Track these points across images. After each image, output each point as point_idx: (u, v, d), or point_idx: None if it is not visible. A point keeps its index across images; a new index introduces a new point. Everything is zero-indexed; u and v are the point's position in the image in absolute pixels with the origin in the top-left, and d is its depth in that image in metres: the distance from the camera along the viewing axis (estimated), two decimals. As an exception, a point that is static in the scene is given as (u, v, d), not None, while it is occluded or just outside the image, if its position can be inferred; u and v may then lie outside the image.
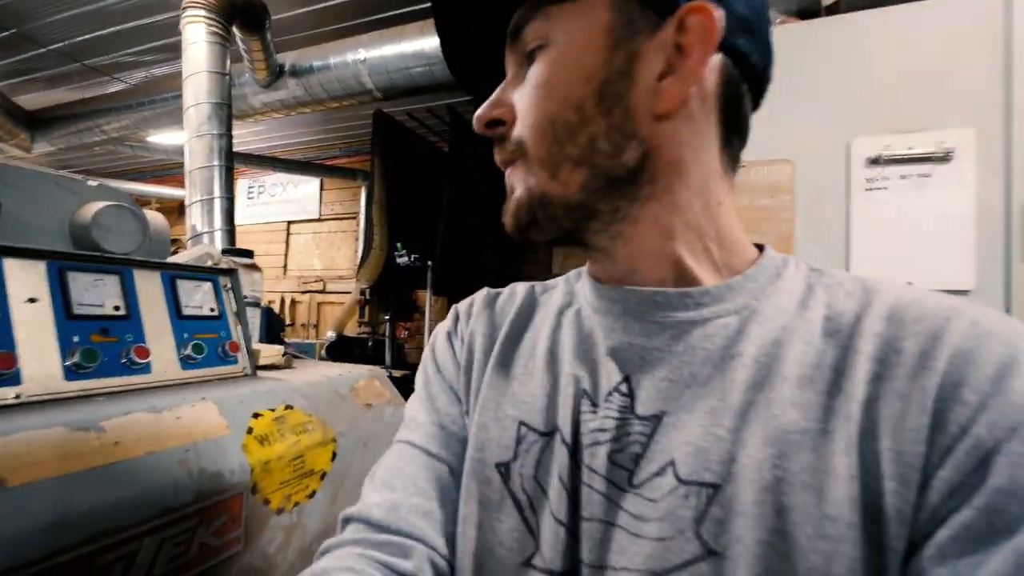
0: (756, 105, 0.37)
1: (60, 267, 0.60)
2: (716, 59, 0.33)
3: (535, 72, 0.35)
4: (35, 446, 0.46)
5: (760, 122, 0.38)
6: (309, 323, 5.20)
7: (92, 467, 0.48)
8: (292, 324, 5.19)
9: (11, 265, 0.56)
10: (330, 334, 3.91)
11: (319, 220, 5.44)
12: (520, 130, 0.35)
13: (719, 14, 0.30)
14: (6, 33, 3.09)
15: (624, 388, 0.33)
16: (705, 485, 0.27)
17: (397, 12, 2.73)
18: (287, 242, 5.59)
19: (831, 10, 1.38)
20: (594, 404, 0.33)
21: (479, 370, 0.41)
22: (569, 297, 0.42)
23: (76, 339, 0.59)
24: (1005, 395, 0.24)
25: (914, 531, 0.24)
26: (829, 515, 0.24)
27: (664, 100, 0.32)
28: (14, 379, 0.52)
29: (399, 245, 3.27)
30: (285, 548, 0.67)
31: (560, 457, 0.33)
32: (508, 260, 4.20)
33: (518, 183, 0.36)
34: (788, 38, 1.28)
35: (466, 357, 0.43)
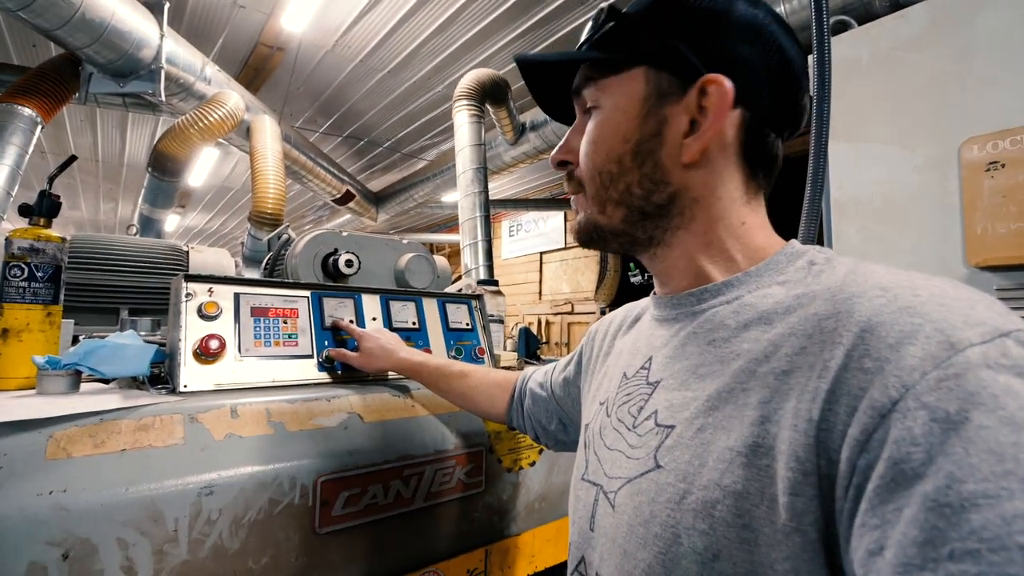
0: (792, 134, 0.42)
1: (386, 298, 0.99)
2: (735, 113, 0.40)
3: (589, 129, 0.45)
4: (375, 401, 0.81)
5: None
6: (561, 342, 5.79)
7: (400, 418, 0.80)
8: (547, 342, 5.87)
9: (365, 298, 0.96)
10: (575, 350, 4.30)
11: (565, 249, 6.06)
12: (580, 171, 0.47)
13: (729, 85, 0.38)
14: (361, 142, 4.67)
15: (646, 364, 0.46)
16: (667, 427, 0.39)
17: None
18: (540, 270, 6.41)
19: None
20: (627, 378, 0.48)
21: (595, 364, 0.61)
22: (642, 308, 0.57)
23: (394, 342, 0.95)
24: (900, 360, 0.27)
25: (829, 476, 0.28)
26: (729, 447, 0.33)
27: (688, 153, 0.41)
28: (367, 364, 0.90)
29: (631, 265, 3.41)
30: (513, 500, 0.90)
31: (602, 416, 0.49)
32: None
33: (580, 210, 0.48)
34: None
35: (588, 356, 0.64)
